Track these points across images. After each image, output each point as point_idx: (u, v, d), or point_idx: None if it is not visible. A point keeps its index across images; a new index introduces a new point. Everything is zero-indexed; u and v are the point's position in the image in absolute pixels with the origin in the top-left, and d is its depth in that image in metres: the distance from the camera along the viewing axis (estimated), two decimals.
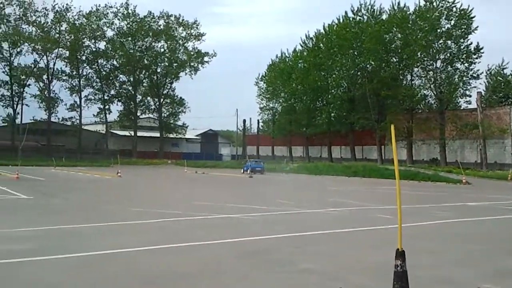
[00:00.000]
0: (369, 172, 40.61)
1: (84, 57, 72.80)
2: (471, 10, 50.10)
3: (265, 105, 78.97)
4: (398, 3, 55.86)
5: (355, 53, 58.52)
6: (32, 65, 68.83)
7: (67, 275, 6.63)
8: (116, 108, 78.06)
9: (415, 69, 56.06)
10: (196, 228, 11.14)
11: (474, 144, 50.98)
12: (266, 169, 49.40)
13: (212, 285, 6.26)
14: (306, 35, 70.38)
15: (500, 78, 59.06)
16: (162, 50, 76.81)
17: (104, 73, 74.33)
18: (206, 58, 76.68)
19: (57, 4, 68.04)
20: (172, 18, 74.64)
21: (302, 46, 70.89)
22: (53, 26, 68.95)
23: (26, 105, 70.49)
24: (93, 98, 73.94)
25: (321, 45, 65.49)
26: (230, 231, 10.68)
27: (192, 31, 75.52)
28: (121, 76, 76.37)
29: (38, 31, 67.88)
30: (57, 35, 69.13)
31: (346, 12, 61.18)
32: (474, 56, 51.48)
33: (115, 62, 75.00)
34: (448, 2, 50.23)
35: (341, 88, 65.08)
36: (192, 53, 76.22)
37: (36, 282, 6.23)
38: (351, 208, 15.89)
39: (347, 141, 65.17)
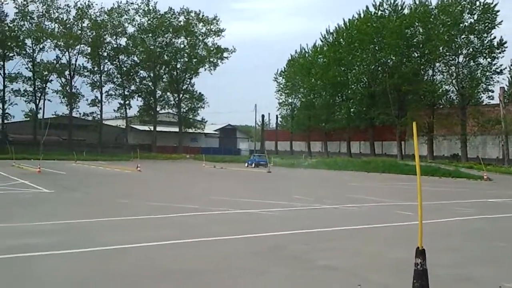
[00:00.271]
0: (388, 168, 40.23)
1: (105, 53, 73.58)
2: (495, 5, 49.15)
3: (284, 100, 78.87)
4: None
5: (376, 48, 57.96)
6: (55, 61, 69.84)
7: (87, 269, 6.68)
8: (136, 103, 78.86)
9: (437, 64, 55.36)
10: (214, 223, 11.15)
11: (496, 140, 50.14)
12: (285, 165, 49.50)
13: (229, 281, 6.24)
14: (326, 30, 70.09)
15: None
16: (182, 46, 77.18)
17: (124, 69, 75.05)
18: (225, 54, 76.90)
19: (79, 1, 68.74)
20: (192, 14, 74.92)
21: (322, 41, 70.55)
22: (75, 23, 69.78)
23: (49, 100, 71.64)
24: (113, 93, 74.81)
25: (342, 40, 64.99)
26: (248, 227, 10.66)
27: (212, 27, 75.70)
28: (141, 71, 77.04)
29: (61, 27, 68.76)
30: (79, 31, 69.99)
31: (367, 7, 60.71)
32: (498, 51, 50.55)
33: (135, 58, 75.72)
34: None
35: (361, 83, 64.55)
36: (211, 48, 76.42)
37: (57, 276, 6.29)
38: (371, 204, 15.74)
39: (366, 136, 64.66)
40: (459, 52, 51.74)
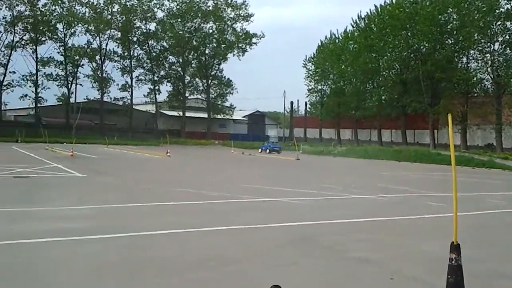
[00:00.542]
0: (420, 157, 39.57)
1: (135, 38, 74.23)
2: None
3: (313, 87, 78.15)
4: None
5: (408, 34, 56.68)
6: (86, 46, 70.80)
7: (122, 255, 6.78)
8: (165, 88, 79.49)
9: (472, 52, 53.79)
10: (245, 211, 11.16)
11: None
12: (314, 152, 49.42)
13: (262, 271, 6.22)
14: (358, 15, 68.74)
15: None
16: (211, 31, 77.19)
17: (154, 54, 75.64)
18: (254, 40, 76.59)
19: None
20: None
21: (353, 27, 69.36)
22: (106, 8, 70.49)
23: (80, 84, 72.85)
24: (143, 78, 75.62)
25: (373, 26, 63.76)
26: (279, 215, 10.62)
27: (240, 12, 75.37)
28: (170, 57, 77.51)
29: (91, 12, 69.58)
30: (109, 16, 70.70)
31: None
32: None
33: (164, 43, 76.17)
34: None
35: (392, 70, 63.36)
36: (240, 34, 76.20)
37: (92, 261, 6.40)
38: (402, 195, 15.49)
39: (398, 124, 63.60)
40: (495, 39, 50.09)
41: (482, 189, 18.90)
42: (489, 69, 51.48)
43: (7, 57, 66.20)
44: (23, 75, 67.80)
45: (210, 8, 74.97)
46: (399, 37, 57.69)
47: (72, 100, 70.93)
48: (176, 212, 10.80)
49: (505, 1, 48.78)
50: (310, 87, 78.53)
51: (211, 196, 13.16)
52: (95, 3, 69.59)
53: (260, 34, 76.94)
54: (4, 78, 66.20)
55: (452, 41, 55.23)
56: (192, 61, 78.46)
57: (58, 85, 70.83)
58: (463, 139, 52.89)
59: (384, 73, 64.84)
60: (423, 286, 5.96)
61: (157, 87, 76.47)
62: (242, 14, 75.47)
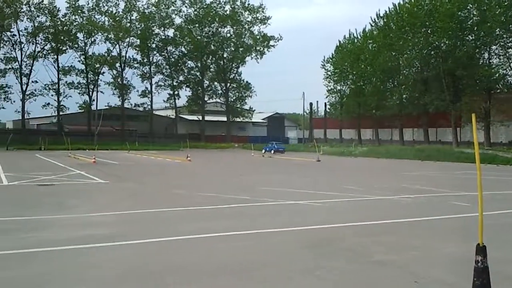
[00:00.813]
0: (443, 156, 38.98)
1: (154, 45, 75.15)
2: None
3: (333, 87, 77.73)
4: None
5: (428, 31, 55.99)
6: (106, 54, 71.88)
7: (145, 261, 6.80)
8: (184, 93, 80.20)
9: (493, 47, 52.93)
10: (266, 215, 11.13)
11: None
12: (334, 153, 49.27)
13: (284, 276, 6.18)
14: (376, 14, 68.20)
15: None
16: (228, 35, 77.60)
17: (172, 59, 76.40)
18: (272, 42, 76.79)
19: None
20: (238, 3, 75.10)
21: (372, 26, 68.82)
22: (124, 16, 71.50)
23: (101, 92, 74.05)
24: (163, 84, 76.50)
25: (392, 24, 63.16)
26: (300, 218, 10.56)
27: (257, 15, 75.63)
28: (189, 62, 78.25)
29: (111, 20, 70.58)
30: (128, 24, 71.64)
31: None
32: None
33: (183, 49, 76.90)
34: None
35: (413, 69, 62.67)
36: (258, 37, 76.40)
37: (116, 268, 6.44)
38: (426, 195, 15.25)
39: (419, 123, 62.80)
40: None
41: (507, 188, 18.50)
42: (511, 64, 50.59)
43: (30, 67, 67.70)
44: (45, 84, 69.36)
45: (228, 12, 75.43)
46: (418, 34, 57.05)
47: (93, 107, 72.08)
48: (198, 217, 10.82)
49: None
50: (329, 88, 78.13)
51: (233, 200, 13.16)
52: (114, 12, 70.62)
53: (278, 36, 77.10)
54: (27, 87, 67.67)
55: (473, 37, 54.37)
56: (211, 66, 78.97)
57: (79, 93, 72.25)
58: (487, 136, 51.95)
59: (404, 71, 64.17)
60: None
61: (176, 92, 77.22)
62: (259, 17, 75.73)
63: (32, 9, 66.25)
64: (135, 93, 75.33)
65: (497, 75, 52.12)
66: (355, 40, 72.77)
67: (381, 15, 66.67)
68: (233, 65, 79.01)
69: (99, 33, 70.52)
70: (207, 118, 78.62)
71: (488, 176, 22.09)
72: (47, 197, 13.83)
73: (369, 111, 67.90)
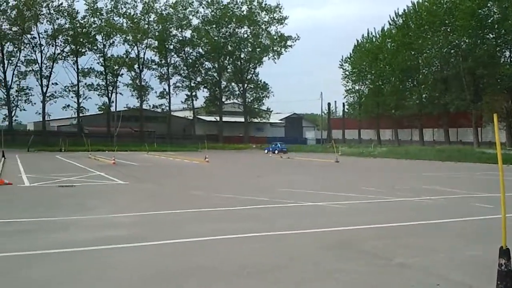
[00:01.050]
0: (464, 156, 38.38)
1: (171, 46, 75.61)
2: None
3: (351, 87, 77.32)
4: None
5: (448, 30, 55.34)
6: (124, 56, 72.58)
7: (165, 262, 6.81)
8: (202, 94, 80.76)
9: None
10: (284, 216, 11.06)
11: None
12: (353, 154, 49.03)
13: (302, 278, 6.11)
14: (395, 13, 67.62)
15: None
16: (246, 35, 77.73)
17: (190, 61, 76.79)
18: (289, 42, 76.72)
19: None
20: (255, 3, 75.10)
21: (390, 25, 68.25)
22: (142, 18, 72.09)
23: (120, 93, 74.81)
24: (180, 85, 76.98)
25: (411, 23, 62.60)
26: (319, 220, 10.46)
27: (274, 15, 75.61)
28: (206, 63, 78.61)
29: (129, 22, 71.26)
30: (146, 26, 72.21)
31: None
32: None
33: (200, 50, 77.33)
34: None
35: (432, 68, 62.00)
36: (275, 37, 76.35)
37: (135, 269, 6.44)
38: (447, 196, 15.00)
39: (440, 123, 62.10)
40: None
41: None
42: None
43: (50, 69, 68.86)
44: (65, 86, 70.40)
45: (245, 13, 75.53)
46: (438, 33, 56.46)
47: (112, 108, 72.91)
48: (216, 218, 10.81)
49: None
50: (347, 88, 77.78)
51: (251, 201, 13.13)
52: (132, 14, 71.26)
53: (295, 36, 76.90)
54: (47, 89, 68.82)
55: (494, 36, 53.61)
56: (228, 66, 79.19)
57: (98, 95, 73.11)
58: (508, 136, 51.10)
59: (423, 70, 63.59)
60: None
61: (194, 93, 77.65)
62: (276, 17, 75.69)
63: (52, 11, 67.37)
64: (153, 95, 76.08)
65: None
66: (374, 39, 72.27)
67: (400, 13, 66.10)
68: (250, 65, 79.08)
69: (118, 35, 71.33)
70: (224, 119, 78.82)
71: (510, 177, 21.63)
72: (67, 198, 13.97)
73: (388, 111, 67.39)
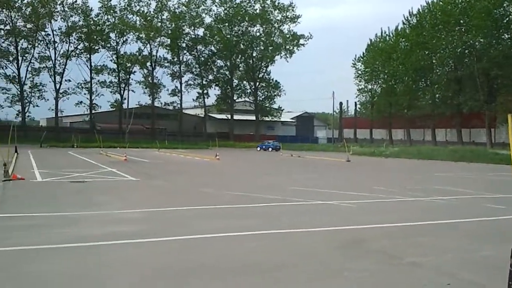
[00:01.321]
0: (477, 157, 38.04)
1: (184, 44, 75.79)
2: None
3: (363, 86, 76.99)
4: None
5: (462, 30, 54.81)
6: (137, 53, 72.88)
7: (170, 257, 6.83)
8: (213, 92, 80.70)
9: None
10: (294, 214, 11.02)
11: None
12: (365, 153, 48.85)
13: (312, 276, 6.08)
14: (409, 12, 67.17)
15: None
16: (258, 34, 77.65)
17: (202, 59, 76.93)
18: (301, 41, 76.51)
19: None
20: (268, 2, 75.05)
21: (404, 24, 67.80)
22: (156, 15, 72.33)
23: (132, 91, 75.40)
24: (192, 83, 77.11)
25: (425, 22, 62.12)
26: (329, 219, 10.42)
27: (287, 13, 75.46)
28: (218, 61, 78.67)
29: (142, 20, 71.54)
30: (159, 23, 72.43)
31: None
32: None
33: (212, 48, 77.38)
34: None
35: (446, 68, 61.48)
36: (287, 36, 76.19)
37: (140, 264, 6.47)
38: (459, 197, 14.86)
39: (452, 123, 61.57)
40: None
41: None
42: None
43: (63, 66, 69.41)
44: (78, 83, 70.91)
45: (257, 11, 75.50)
46: (452, 33, 55.99)
47: (124, 106, 73.28)
48: (227, 215, 10.82)
49: None
50: (360, 87, 77.45)
51: (262, 199, 13.11)
52: (145, 12, 71.58)
53: (308, 35, 76.70)
54: (60, 86, 69.35)
55: (509, 36, 52.96)
56: (240, 65, 79.22)
57: (111, 92, 73.55)
58: None
59: (437, 70, 63.11)
60: None
61: (205, 91, 77.78)
62: (289, 16, 75.53)
63: (66, 9, 67.92)
64: (165, 92, 76.34)
65: None
66: (387, 39, 71.88)
67: (414, 13, 65.64)
68: (262, 64, 79.04)
69: (131, 33, 71.64)
70: (236, 117, 78.90)
71: None
72: (79, 194, 14.06)
73: (400, 111, 67.01)
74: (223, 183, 18.50)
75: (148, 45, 73.42)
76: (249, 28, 77.24)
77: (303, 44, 76.71)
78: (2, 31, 65.42)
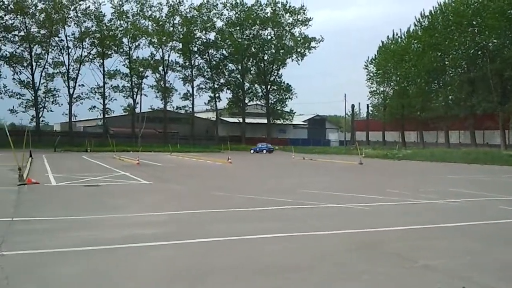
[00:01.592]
0: (491, 159, 37.69)
1: (195, 48, 76.08)
2: None
3: (375, 89, 76.68)
4: None
5: (475, 31, 54.34)
6: (149, 58, 73.30)
7: (188, 261, 6.89)
8: (225, 96, 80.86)
9: None
10: (306, 217, 11.04)
11: None
12: (377, 156, 48.69)
13: (326, 279, 6.10)
14: (421, 14, 66.78)
15: None
16: (269, 37, 77.74)
17: (214, 62, 77.16)
18: (313, 44, 76.42)
19: None
20: (279, 5, 75.15)
21: (416, 26, 67.44)
22: (167, 20, 72.71)
23: (145, 95, 75.77)
24: (204, 87, 77.33)
25: (437, 24, 61.72)
26: (342, 222, 10.43)
27: (298, 16, 75.50)
28: (229, 65, 78.82)
29: (154, 25, 71.98)
30: (171, 28, 72.84)
31: None
32: None
33: (224, 52, 77.50)
34: None
35: (459, 69, 60.99)
36: (299, 39, 76.20)
37: (159, 267, 6.53)
38: (473, 199, 14.76)
39: (466, 125, 61.00)
40: None
41: None
42: None
43: (77, 71, 70.04)
44: (91, 88, 71.47)
45: (268, 14, 75.61)
46: (465, 34, 55.58)
47: (137, 110, 73.75)
48: (242, 218, 10.87)
49: None
50: (371, 89, 77.16)
51: (274, 202, 13.13)
52: (157, 17, 72.01)
53: (319, 38, 76.60)
54: (74, 91, 69.94)
55: None
56: (251, 68, 79.35)
57: (124, 96, 74.05)
58: None
59: (450, 72, 62.64)
60: None
61: (217, 95, 77.97)
62: (300, 19, 75.54)
63: (79, 15, 68.54)
64: (177, 96, 76.68)
65: None
66: (399, 40, 71.57)
67: (426, 14, 65.26)
68: (274, 67, 79.09)
69: (143, 38, 72.06)
70: (247, 120, 78.97)
71: None
72: (93, 198, 14.21)
73: (413, 113, 66.62)
74: (235, 186, 18.54)
75: (160, 50, 73.92)
76: (260, 32, 77.37)
77: (314, 47, 76.72)
78: (16, 37, 66.25)
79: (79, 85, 70.49)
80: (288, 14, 75.79)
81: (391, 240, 8.56)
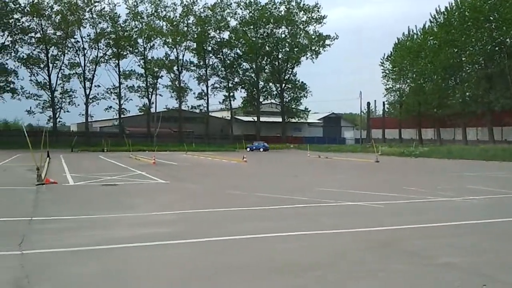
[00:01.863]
0: (509, 156, 37.07)
1: (210, 48, 76.29)
2: None
3: (391, 86, 76.07)
4: None
5: (492, 26, 53.55)
6: (164, 58, 73.77)
7: (205, 259, 6.89)
8: (240, 95, 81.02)
9: None
10: (324, 215, 11.00)
11: None
12: (394, 153, 48.38)
13: (344, 277, 6.06)
14: (436, 10, 66.03)
15: None
16: (283, 35, 77.65)
17: (228, 62, 77.31)
18: (327, 41, 76.15)
19: None
20: (293, 3, 75.00)
21: (431, 22, 66.72)
22: (182, 20, 73.02)
23: (160, 95, 76.24)
24: (218, 86, 77.57)
25: (453, 20, 60.96)
26: (360, 220, 10.34)
27: (313, 14, 75.25)
28: (244, 64, 78.94)
29: (168, 25, 72.35)
30: (185, 28, 73.15)
31: None
32: None
33: (238, 51, 77.64)
34: None
35: (476, 65, 60.17)
36: (313, 37, 75.97)
37: (176, 266, 6.58)
38: (492, 196, 14.55)
39: (483, 122, 60.17)
40: None
41: None
42: None
43: (92, 72, 70.79)
44: (107, 88, 72.19)
45: (282, 13, 75.51)
46: (482, 30, 54.80)
47: (152, 109, 74.24)
48: (258, 216, 10.86)
49: None
50: (387, 87, 76.57)
51: (290, 201, 13.10)
52: (172, 17, 72.37)
53: (334, 35, 76.30)
54: (90, 91, 70.68)
55: None
56: (266, 67, 79.32)
57: (139, 96, 74.57)
58: None
59: (467, 68, 61.85)
60: None
61: (231, 94, 78.17)
62: (314, 17, 75.32)
63: (94, 16, 69.23)
64: (191, 96, 77.02)
65: None
66: (415, 37, 70.92)
67: (442, 10, 64.53)
68: (288, 65, 78.97)
69: (158, 38, 72.51)
70: (262, 119, 78.96)
71: None
72: (110, 197, 14.33)
73: (430, 110, 65.94)
74: (251, 185, 18.54)
75: (175, 50, 74.33)
76: (274, 30, 77.28)
77: (329, 45, 76.46)
78: (33, 39, 67.21)
79: (95, 86, 71.34)
80: (302, 12, 75.62)
81: (409, 238, 8.47)
